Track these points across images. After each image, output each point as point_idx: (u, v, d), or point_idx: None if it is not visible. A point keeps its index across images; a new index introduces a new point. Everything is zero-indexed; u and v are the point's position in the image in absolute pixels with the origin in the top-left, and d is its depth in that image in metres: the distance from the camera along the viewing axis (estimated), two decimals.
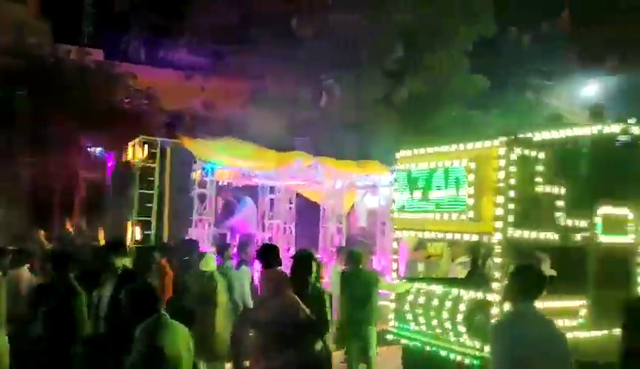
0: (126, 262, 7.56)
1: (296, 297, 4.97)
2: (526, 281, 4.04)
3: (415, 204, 6.87)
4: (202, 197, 12.92)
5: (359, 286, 7.38)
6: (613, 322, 6.63)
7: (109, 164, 13.87)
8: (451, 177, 6.49)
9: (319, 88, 15.00)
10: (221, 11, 14.84)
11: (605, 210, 6.75)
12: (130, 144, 12.24)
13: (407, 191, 6.96)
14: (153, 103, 14.93)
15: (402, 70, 15.57)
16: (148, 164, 11.67)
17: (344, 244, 13.47)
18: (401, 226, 7.28)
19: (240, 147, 12.23)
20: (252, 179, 14.63)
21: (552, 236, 6.49)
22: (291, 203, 15.44)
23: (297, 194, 15.57)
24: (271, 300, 5.06)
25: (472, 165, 6.32)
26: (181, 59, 17.26)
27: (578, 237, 6.64)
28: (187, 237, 11.06)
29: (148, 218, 11.64)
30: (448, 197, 6.52)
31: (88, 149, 14.94)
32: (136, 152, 11.89)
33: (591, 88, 16.17)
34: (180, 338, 4.11)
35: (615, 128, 7.03)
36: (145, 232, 11.72)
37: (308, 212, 15.65)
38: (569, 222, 6.58)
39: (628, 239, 6.88)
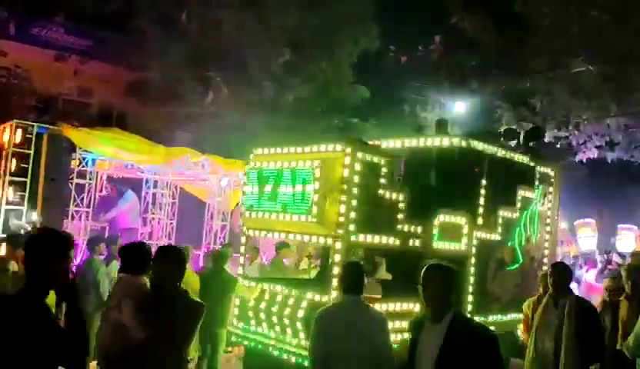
0: None
1: (131, 316, 3.89)
2: (352, 276, 4.33)
3: (263, 203, 6.49)
4: (81, 188, 12.02)
5: (215, 287, 7.01)
6: None
7: None
8: (298, 179, 6.20)
9: (206, 84, 14.34)
10: None
11: (442, 218, 6.70)
12: (1, 127, 11.05)
13: (257, 189, 6.57)
14: (22, 83, 13.32)
15: (288, 74, 15.28)
16: (22, 150, 10.50)
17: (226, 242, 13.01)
18: (249, 225, 6.87)
19: (127, 140, 11.48)
20: (136, 172, 13.85)
21: (392, 241, 6.33)
22: (174, 198, 14.81)
23: (181, 190, 14.91)
24: (108, 316, 4.14)
25: (318, 168, 6.06)
26: (57, 39, 15.64)
27: (417, 242, 6.51)
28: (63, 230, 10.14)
29: (20, 207, 10.50)
30: (294, 199, 6.18)
31: None
32: (8, 136, 10.72)
33: (460, 105, 16.80)
34: None
35: (455, 141, 7.01)
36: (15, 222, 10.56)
37: (192, 208, 15.01)
38: (409, 228, 6.45)
39: (461, 246, 6.87)
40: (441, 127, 7.38)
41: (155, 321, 3.84)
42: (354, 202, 5.96)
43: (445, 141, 7.09)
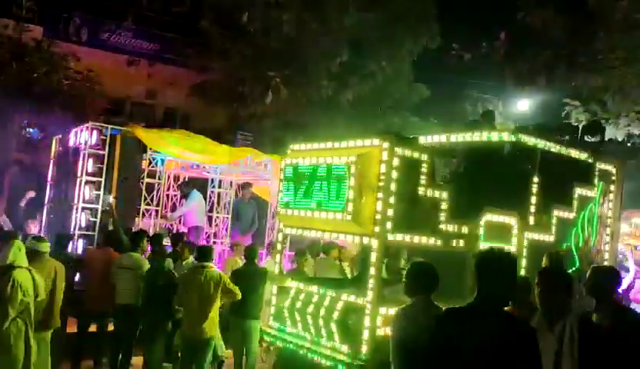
0: None
1: None
2: (421, 278, 4.27)
3: (299, 200, 6.13)
4: (150, 187, 12.23)
5: (247, 279, 6.99)
6: None
7: (54, 148, 12.84)
8: (333, 175, 5.81)
9: (265, 84, 14.20)
10: None
11: (489, 217, 6.07)
12: (78, 128, 11.38)
13: (292, 186, 6.23)
14: (94, 87, 13.69)
15: (347, 73, 14.87)
16: (97, 151, 10.72)
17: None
18: (285, 223, 6.53)
19: (193, 140, 11.55)
20: (202, 172, 13.95)
21: (433, 241, 5.80)
22: (237, 197, 14.76)
23: None
24: None
25: (354, 164, 5.64)
26: (125, 43, 15.99)
27: (460, 243, 5.94)
28: (135, 228, 10.35)
29: (95, 206, 10.74)
30: (329, 196, 5.79)
31: (29, 130, 13.61)
32: (85, 137, 11.00)
33: (524, 103, 15.77)
34: None
35: (503, 136, 6.36)
36: (90, 219, 10.84)
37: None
38: (452, 228, 5.89)
39: (510, 247, 6.20)
40: (487, 118, 6.72)
41: None
42: (391, 200, 5.52)
43: (494, 136, 6.45)
